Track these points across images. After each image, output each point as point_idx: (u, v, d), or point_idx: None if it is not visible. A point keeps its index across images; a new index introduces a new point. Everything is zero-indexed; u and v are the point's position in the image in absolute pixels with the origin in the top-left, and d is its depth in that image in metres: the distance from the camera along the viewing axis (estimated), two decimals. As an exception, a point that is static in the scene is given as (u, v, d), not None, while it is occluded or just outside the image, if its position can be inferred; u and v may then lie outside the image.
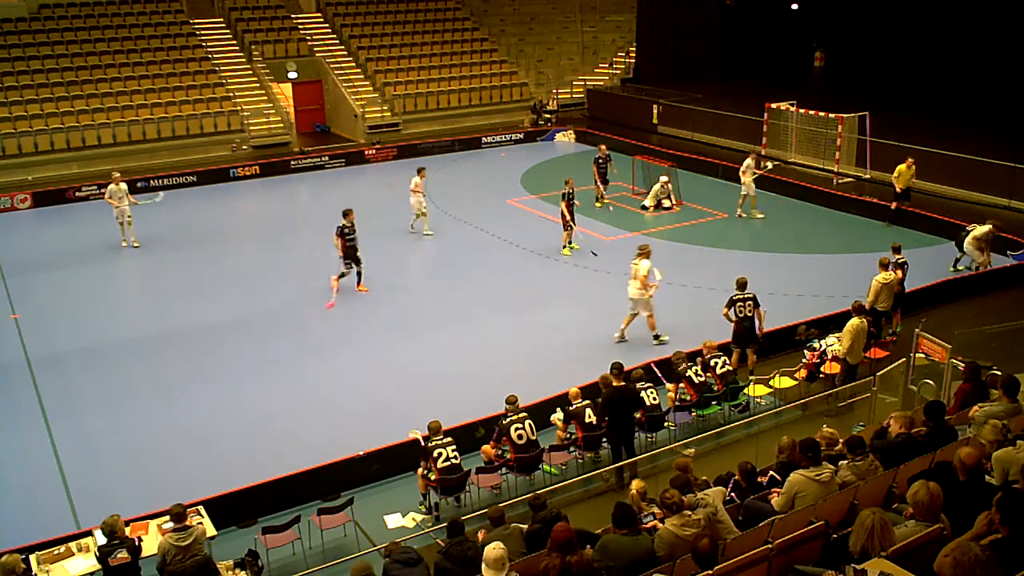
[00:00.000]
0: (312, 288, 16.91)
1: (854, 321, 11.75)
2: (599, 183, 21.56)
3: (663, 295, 16.17)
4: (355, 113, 30.85)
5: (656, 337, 13.82)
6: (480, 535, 7.60)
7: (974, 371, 9.43)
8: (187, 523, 8.11)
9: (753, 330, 12.84)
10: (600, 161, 21.43)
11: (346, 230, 16.14)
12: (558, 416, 10.98)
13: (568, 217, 18.20)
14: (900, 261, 13.79)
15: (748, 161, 20.21)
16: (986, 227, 15.87)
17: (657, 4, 33.18)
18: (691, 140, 27.79)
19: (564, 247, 18.46)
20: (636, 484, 7.56)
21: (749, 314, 12.75)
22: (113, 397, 12.93)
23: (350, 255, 16.23)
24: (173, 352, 14.38)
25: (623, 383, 10.49)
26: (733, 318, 12.71)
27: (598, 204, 21.66)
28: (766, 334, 13.46)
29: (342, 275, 16.25)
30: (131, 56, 28.99)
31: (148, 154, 26.94)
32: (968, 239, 15.93)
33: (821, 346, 12.56)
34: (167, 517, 8.38)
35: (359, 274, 16.51)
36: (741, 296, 12.74)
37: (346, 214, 16.31)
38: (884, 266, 13.24)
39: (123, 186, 19.46)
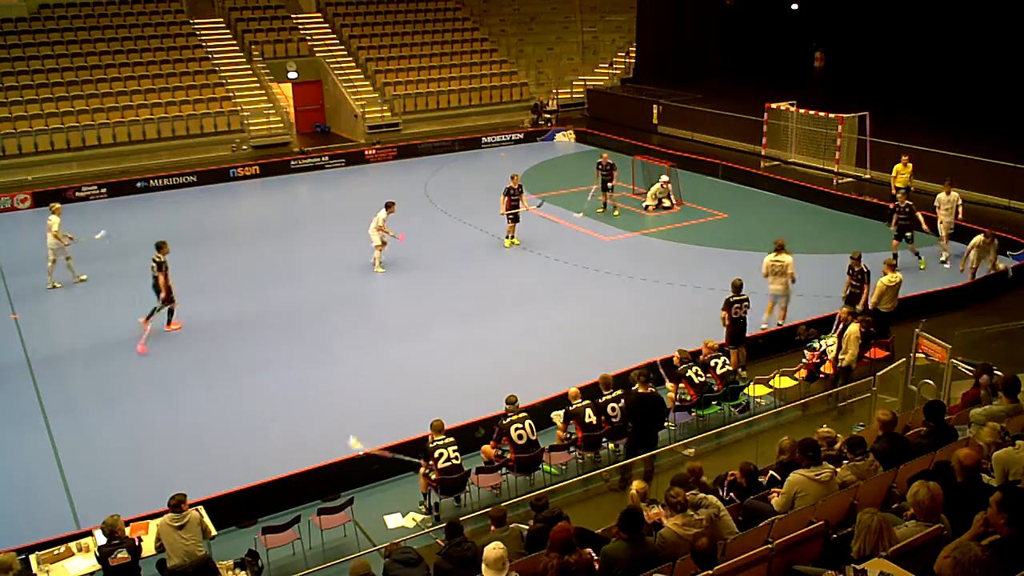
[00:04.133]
0: (311, 288, 16.91)
1: (853, 327, 11.71)
2: (601, 190, 21.29)
3: (661, 295, 16.23)
4: (355, 113, 30.85)
5: (779, 326, 14.05)
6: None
7: (985, 373, 9.39)
8: (184, 509, 8.24)
9: (745, 331, 12.98)
10: (600, 168, 21.13)
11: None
12: (559, 414, 10.97)
13: (505, 211, 18.73)
14: (864, 270, 13.53)
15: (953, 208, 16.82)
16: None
17: (657, 4, 33.21)
18: (691, 140, 27.79)
19: (506, 238, 19.01)
20: (636, 485, 7.55)
21: (744, 315, 12.81)
22: (113, 397, 12.93)
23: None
24: (173, 351, 14.39)
25: (649, 390, 10.37)
26: (727, 322, 12.77)
27: (600, 211, 21.29)
28: (765, 335, 13.50)
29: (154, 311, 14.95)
30: (131, 56, 28.99)
31: (148, 154, 26.94)
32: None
33: (821, 346, 12.56)
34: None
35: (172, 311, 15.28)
36: (738, 298, 12.79)
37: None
38: (892, 267, 13.20)
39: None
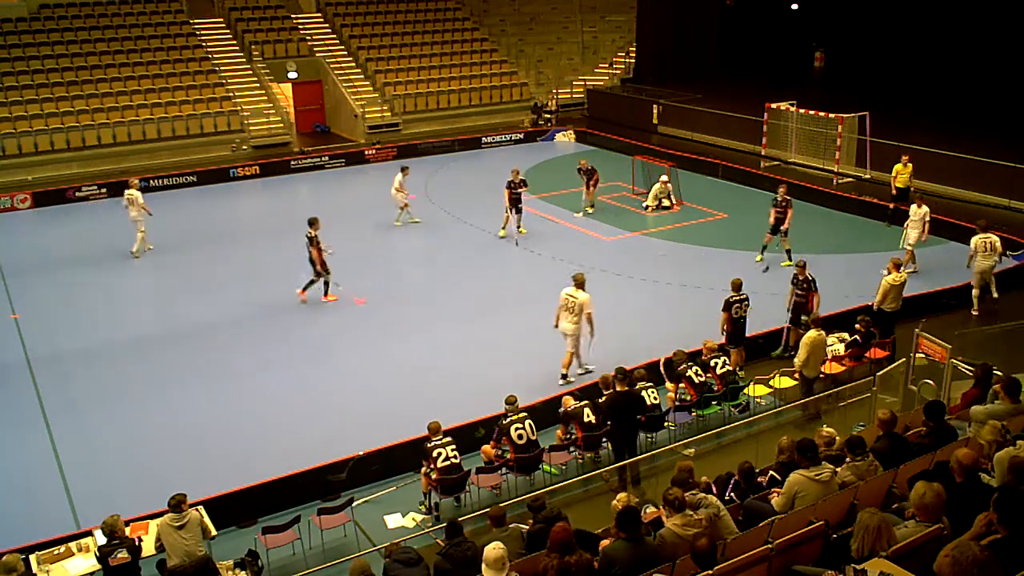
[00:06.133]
0: (311, 287, 16.89)
1: (811, 334, 11.62)
2: (585, 188, 21.55)
3: (661, 295, 16.23)
4: (355, 113, 30.85)
5: (564, 376, 12.66)
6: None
7: (986, 373, 9.38)
8: (184, 509, 8.24)
9: (745, 331, 12.96)
10: (581, 171, 21.38)
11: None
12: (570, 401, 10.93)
13: (507, 204, 19.16)
14: (809, 278, 13.32)
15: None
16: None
17: (657, 4, 33.20)
18: (691, 140, 27.79)
19: (502, 228, 19.54)
20: (621, 497, 7.46)
21: (745, 314, 12.80)
22: (113, 397, 12.93)
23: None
24: (173, 352, 14.38)
25: (626, 387, 10.42)
26: (726, 324, 12.75)
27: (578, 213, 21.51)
28: (765, 335, 13.49)
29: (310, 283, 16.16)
30: (131, 56, 28.99)
31: (148, 154, 26.93)
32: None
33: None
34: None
35: (327, 283, 16.27)
36: (737, 297, 12.78)
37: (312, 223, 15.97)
38: (897, 266, 13.17)
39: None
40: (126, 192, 19.05)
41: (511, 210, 19.31)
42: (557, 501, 9.58)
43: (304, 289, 16.13)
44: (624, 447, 10.42)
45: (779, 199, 17.05)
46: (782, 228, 16.94)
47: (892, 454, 7.53)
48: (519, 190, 19.26)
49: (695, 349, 12.17)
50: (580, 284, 12.58)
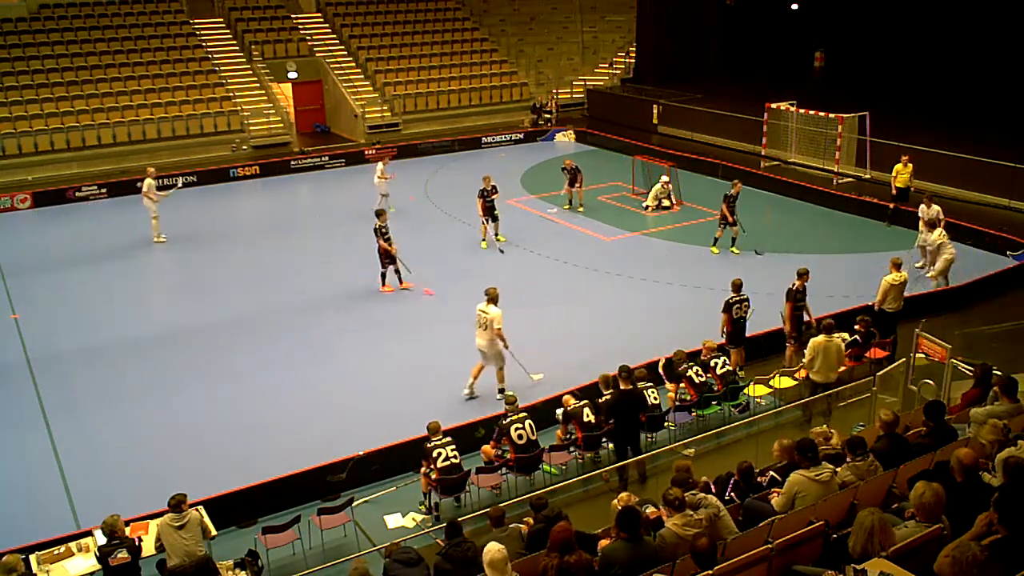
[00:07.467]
0: (312, 288, 16.92)
1: (820, 339, 11.40)
2: (568, 185, 21.59)
3: (661, 295, 16.22)
4: (355, 113, 30.85)
5: (502, 391, 12.08)
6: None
7: (985, 373, 9.37)
8: (184, 509, 8.24)
9: (745, 331, 12.93)
10: (565, 170, 21.46)
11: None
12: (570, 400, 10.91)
13: (481, 214, 19.02)
14: (800, 286, 13.00)
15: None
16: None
17: (657, 4, 33.20)
18: (691, 140, 27.79)
19: (482, 240, 19.26)
20: (622, 497, 7.45)
21: (745, 315, 12.78)
22: (113, 397, 12.93)
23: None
24: (173, 352, 14.38)
25: (630, 386, 10.38)
26: (727, 325, 12.73)
27: (566, 207, 21.66)
28: (766, 334, 13.49)
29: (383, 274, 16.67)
30: (131, 56, 29.00)
31: (148, 154, 26.88)
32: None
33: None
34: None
35: (384, 275, 16.72)
36: (738, 298, 12.76)
37: (379, 214, 16.67)
38: (896, 266, 13.12)
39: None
40: (145, 181, 20.05)
41: (487, 219, 19.05)
42: (557, 501, 9.56)
43: (384, 284, 16.61)
44: (627, 446, 10.41)
45: (733, 193, 17.76)
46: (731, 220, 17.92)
47: (892, 454, 7.53)
48: (492, 197, 18.96)
49: (695, 349, 12.16)
50: (493, 299, 12.12)
